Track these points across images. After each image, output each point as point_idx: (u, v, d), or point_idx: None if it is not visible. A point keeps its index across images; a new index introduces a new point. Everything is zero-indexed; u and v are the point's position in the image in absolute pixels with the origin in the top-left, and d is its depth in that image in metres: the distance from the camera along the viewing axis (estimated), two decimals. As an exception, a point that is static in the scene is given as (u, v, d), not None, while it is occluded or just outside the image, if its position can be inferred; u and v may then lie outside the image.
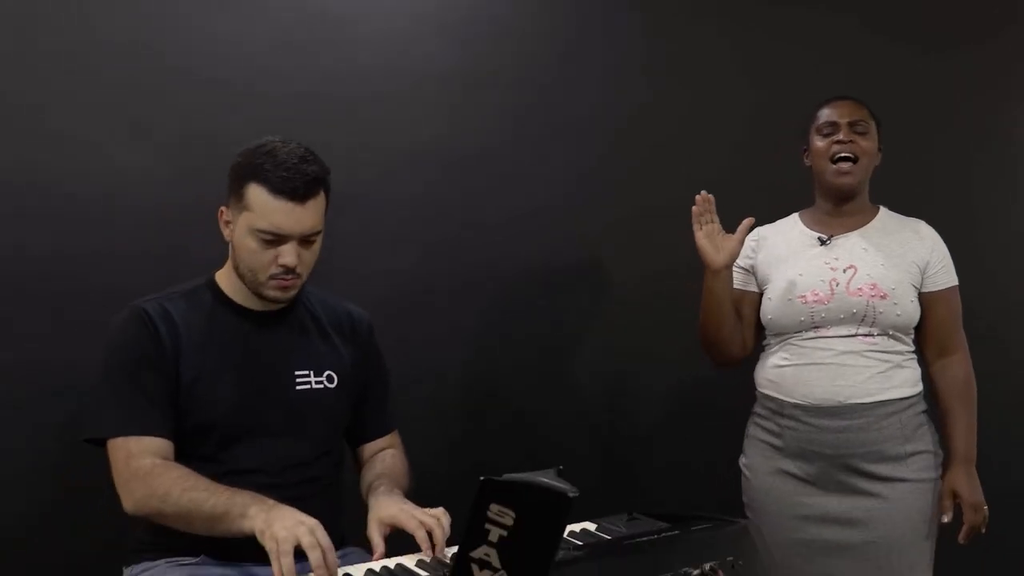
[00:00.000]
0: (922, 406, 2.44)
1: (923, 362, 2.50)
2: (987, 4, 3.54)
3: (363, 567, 1.65)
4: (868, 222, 2.51)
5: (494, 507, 1.29)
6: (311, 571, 1.57)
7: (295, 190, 1.86)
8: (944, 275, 2.46)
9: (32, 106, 2.43)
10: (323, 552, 1.57)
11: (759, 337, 2.59)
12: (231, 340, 1.96)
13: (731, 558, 1.64)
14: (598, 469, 3.01)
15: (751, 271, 2.60)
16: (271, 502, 1.69)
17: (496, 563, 1.30)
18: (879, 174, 2.70)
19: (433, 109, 2.88)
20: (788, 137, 2.75)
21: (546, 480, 1.30)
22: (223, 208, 1.97)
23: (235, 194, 1.92)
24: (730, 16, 3.26)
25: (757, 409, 2.54)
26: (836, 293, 2.38)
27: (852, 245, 2.46)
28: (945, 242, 2.62)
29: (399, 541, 1.81)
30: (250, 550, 1.69)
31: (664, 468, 3.09)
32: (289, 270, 1.90)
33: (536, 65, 3.02)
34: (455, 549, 1.36)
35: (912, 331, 2.45)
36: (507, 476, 1.29)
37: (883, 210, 2.55)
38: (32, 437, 2.41)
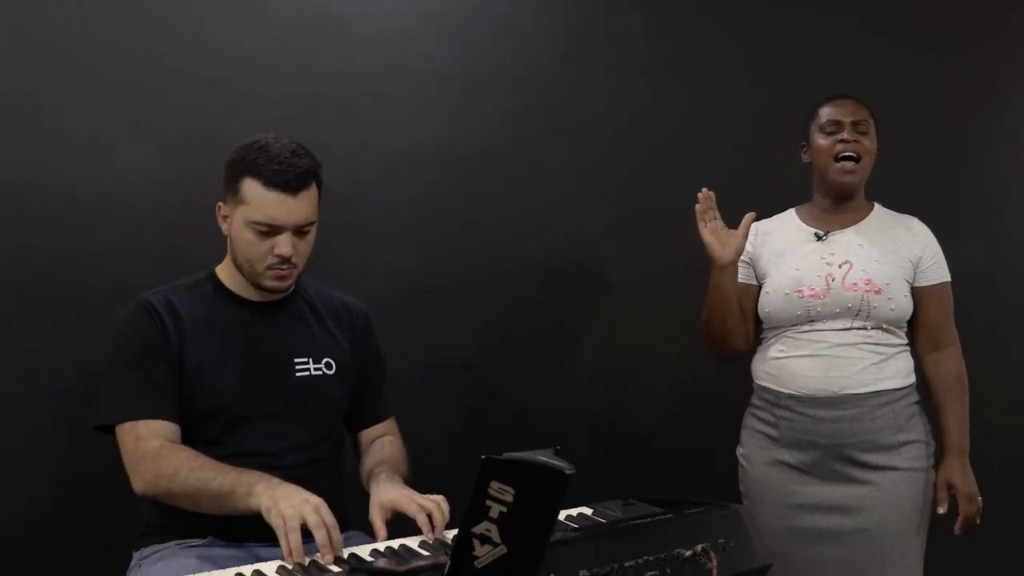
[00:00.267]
0: (915, 397, 2.57)
1: (916, 356, 2.62)
2: (987, 4, 3.64)
3: (367, 547, 1.78)
4: (863, 219, 2.64)
5: (495, 484, 1.40)
6: (317, 549, 1.69)
7: (288, 182, 2.00)
8: (936, 271, 2.60)
9: (33, 106, 2.52)
10: (328, 531, 1.69)
11: (758, 330, 2.71)
12: (232, 330, 2.10)
13: (722, 540, 1.76)
14: (598, 468, 3.11)
15: (752, 265, 2.73)
16: (276, 481, 1.82)
17: (496, 538, 1.41)
18: (880, 173, 2.82)
19: (433, 109, 2.98)
20: (788, 137, 2.85)
21: (544, 459, 1.42)
22: (220, 204, 2.11)
23: (231, 189, 2.06)
24: (730, 16, 3.36)
25: (754, 401, 2.68)
26: (832, 288, 2.52)
27: (848, 241, 2.60)
28: (944, 241, 2.74)
29: (400, 526, 1.93)
30: (256, 531, 1.83)
31: (662, 462, 3.19)
32: (285, 260, 2.04)
33: (536, 65, 3.12)
34: (455, 532, 1.48)
35: (905, 324, 2.58)
36: (507, 455, 1.40)
37: (877, 207, 2.69)
38: (39, 431, 2.51)
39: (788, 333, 2.58)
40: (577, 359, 3.20)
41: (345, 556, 1.71)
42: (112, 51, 2.60)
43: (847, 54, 3.45)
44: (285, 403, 2.10)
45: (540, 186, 3.12)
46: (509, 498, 1.40)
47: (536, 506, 1.40)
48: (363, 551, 1.76)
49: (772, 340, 2.63)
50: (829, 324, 2.52)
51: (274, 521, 1.72)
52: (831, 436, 2.49)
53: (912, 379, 2.57)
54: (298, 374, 2.13)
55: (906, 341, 2.60)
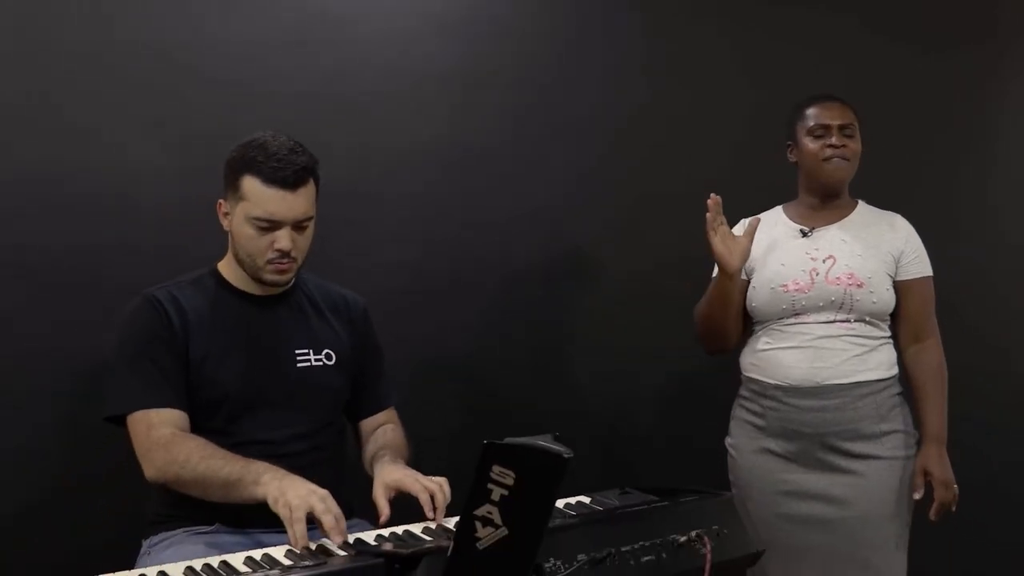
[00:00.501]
0: (897, 388, 2.70)
1: (898, 348, 2.75)
2: (987, 4, 3.74)
3: (373, 533, 1.89)
4: (847, 215, 2.77)
5: (496, 468, 1.49)
6: (322, 537, 1.80)
7: (286, 179, 2.11)
8: (917, 265, 2.72)
9: (45, 104, 2.62)
10: (335, 518, 1.79)
11: (747, 323, 2.83)
12: (235, 323, 2.22)
13: (716, 527, 1.88)
14: (595, 460, 3.22)
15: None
16: (283, 472, 1.92)
17: (498, 520, 1.50)
18: (879, 172, 2.92)
19: (433, 109, 3.07)
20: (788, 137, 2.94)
21: (543, 443, 1.52)
22: (221, 201, 2.23)
23: (231, 186, 2.18)
24: (730, 16, 3.46)
25: (742, 392, 2.81)
26: (816, 282, 2.65)
27: (832, 237, 2.72)
28: (943, 240, 2.86)
29: (402, 515, 2.03)
30: (261, 518, 1.93)
31: (658, 455, 3.31)
32: (285, 254, 2.16)
33: (536, 65, 3.22)
34: (456, 519, 1.58)
35: (888, 317, 2.71)
36: (508, 440, 1.50)
37: (861, 204, 2.81)
38: (55, 419, 2.62)
39: (774, 326, 2.71)
40: (575, 356, 3.30)
41: (351, 541, 1.81)
42: (121, 51, 2.70)
43: (847, 54, 3.54)
44: (287, 393, 2.21)
45: (540, 186, 3.21)
46: (510, 481, 1.48)
47: (536, 489, 1.49)
48: (368, 537, 1.86)
49: (759, 333, 2.76)
50: (813, 317, 2.66)
51: (281, 511, 1.82)
52: (815, 425, 2.63)
53: (895, 371, 2.71)
54: (299, 365, 2.25)
55: (889, 334, 2.73)
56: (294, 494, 1.82)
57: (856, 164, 2.75)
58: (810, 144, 2.74)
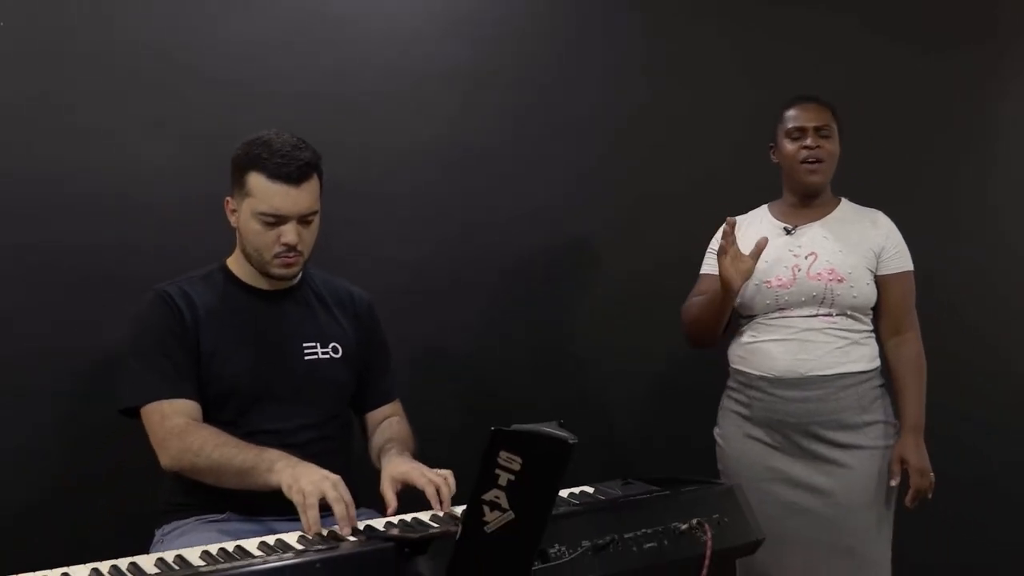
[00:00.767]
0: (879, 380, 2.85)
1: (879, 340, 2.88)
2: (987, 4, 3.85)
3: (382, 520, 1.99)
4: (829, 213, 2.91)
5: (503, 454, 1.58)
6: (334, 524, 1.89)
7: (290, 175, 2.22)
8: (898, 260, 2.85)
9: (50, 105, 2.70)
10: (346, 506, 1.89)
11: (733, 318, 2.96)
12: (243, 317, 2.33)
13: (717, 516, 1.98)
14: (596, 453, 3.28)
15: None
16: (296, 459, 2.02)
17: (505, 504, 1.59)
18: (879, 172, 3.01)
19: (434, 109, 3.16)
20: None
21: (549, 429, 1.62)
22: (228, 198, 2.33)
23: (237, 183, 2.29)
24: (730, 16, 3.56)
25: (730, 383, 2.97)
26: (798, 278, 2.79)
27: (814, 234, 2.87)
28: (942, 240, 2.96)
29: (408, 505, 2.12)
30: (273, 506, 2.05)
31: (657, 448, 3.42)
32: (291, 248, 2.26)
33: (536, 65, 3.31)
34: (463, 507, 1.67)
35: (870, 311, 2.85)
36: (515, 426, 1.59)
37: (844, 201, 2.95)
38: (59, 417, 2.70)
39: (760, 320, 2.86)
40: (574, 354, 3.40)
41: (361, 528, 1.91)
42: (122, 52, 2.78)
43: (847, 54, 3.64)
44: (294, 386, 2.32)
45: (540, 185, 3.31)
46: (516, 467, 1.56)
47: (542, 474, 1.57)
48: (378, 523, 1.96)
49: (745, 327, 2.91)
50: (797, 311, 2.80)
51: (294, 497, 1.91)
52: (798, 415, 2.77)
53: (876, 363, 2.85)
54: (306, 358, 2.35)
55: (871, 328, 2.87)
56: (307, 480, 1.92)
57: (832, 165, 2.88)
58: (788, 145, 2.88)
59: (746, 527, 2.05)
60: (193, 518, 2.21)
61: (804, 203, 2.92)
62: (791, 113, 2.89)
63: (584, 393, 3.40)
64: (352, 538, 1.83)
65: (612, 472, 2.26)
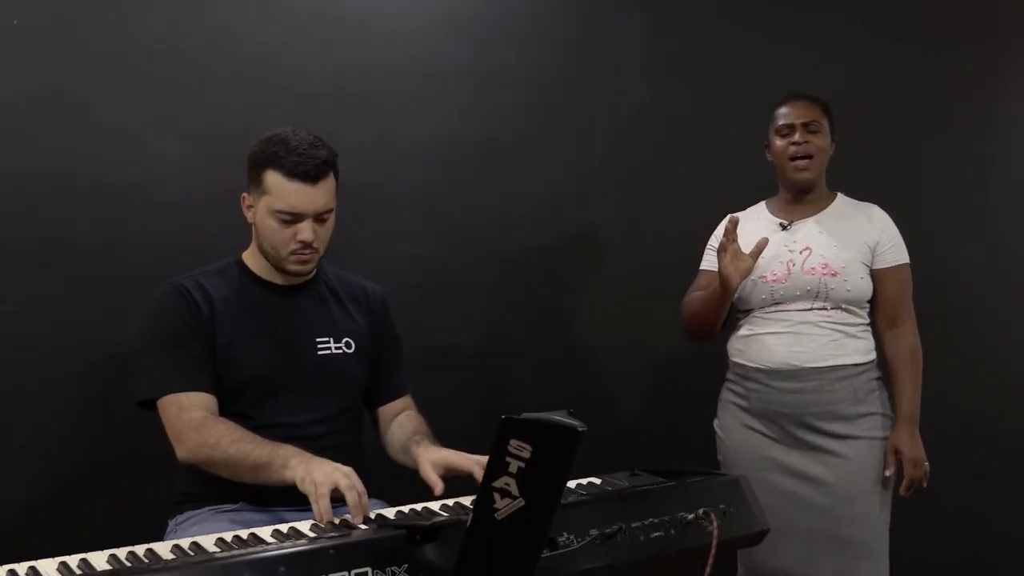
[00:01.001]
0: (875, 373, 2.93)
1: (876, 333, 2.96)
2: (987, 4, 3.92)
3: (393, 509, 2.05)
4: (825, 208, 2.99)
5: (513, 442, 1.63)
6: (346, 514, 1.95)
7: (307, 173, 2.28)
8: (893, 254, 2.93)
9: (69, 103, 2.79)
10: (358, 494, 1.95)
11: (731, 312, 3.04)
12: (258, 311, 2.39)
13: (723, 506, 2.04)
14: (602, 446, 3.32)
15: None
16: (309, 455, 2.08)
17: (515, 491, 1.64)
18: (879, 171, 3.06)
19: (435, 109, 3.23)
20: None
21: (558, 418, 1.67)
22: (244, 194, 2.39)
23: (254, 180, 2.35)
24: (730, 16, 3.63)
25: (728, 375, 3.06)
26: (792, 273, 2.88)
27: (809, 229, 2.95)
28: (942, 239, 3.02)
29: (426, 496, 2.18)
30: (283, 497, 2.11)
31: (663, 440, 3.49)
32: (307, 245, 2.32)
33: (536, 65, 3.38)
34: (472, 498, 1.71)
35: (866, 305, 2.93)
36: (525, 415, 1.64)
37: (840, 196, 3.03)
38: (84, 407, 2.79)
39: (757, 313, 2.95)
40: (575, 350, 3.47)
41: (372, 516, 1.97)
42: (139, 51, 2.87)
43: (847, 54, 3.72)
44: (308, 380, 2.38)
45: (540, 184, 3.38)
46: (527, 454, 1.62)
47: (551, 461, 1.63)
48: (389, 512, 2.03)
49: (743, 320, 3.00)
50: (792, 305, 2.89)
51: (307, 488, 1.97)
52: (793, 406, 2.86)
53: (872, 356, 2.93)
54: (320, 353, 2.41)
55: (867, 321, 2.95)
56: (320, 472, 1.98)
57: (822, 160, 2.97)
58: (778, 142, 2.97)
59: (751, 517, 2.11)
60: (207, 508, 2.27)
61: (798, 199, 3.00)
62: (781, 111, 2.98)
63: (586, 388, 3.46)
64: (363, 526, 1.89)
65: (616, 466, 2.31)
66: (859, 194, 3.05)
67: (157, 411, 2.28)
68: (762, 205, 3.10)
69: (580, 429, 1.65)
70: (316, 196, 2.30)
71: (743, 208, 3.09)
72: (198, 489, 2.29)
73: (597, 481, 2.22)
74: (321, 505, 1.93)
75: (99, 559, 1.69)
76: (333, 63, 3.10)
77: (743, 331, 2.98)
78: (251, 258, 2.45)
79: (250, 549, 1.71)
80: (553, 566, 1.79)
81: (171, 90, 2.89)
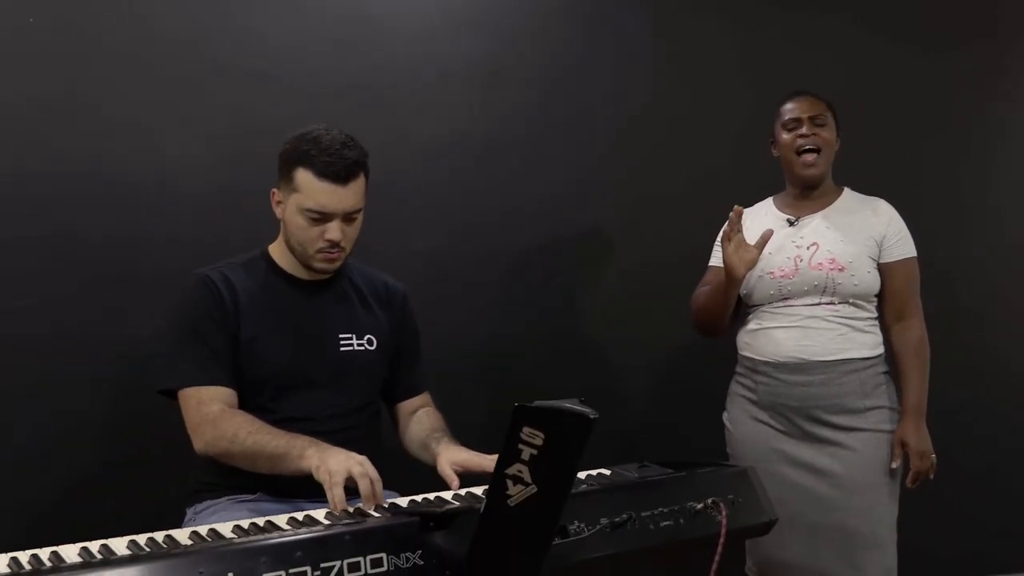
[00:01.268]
0: (883, 368, 2.99)
1: (883, 326, 3.02)
2: (987, 4, 3.98)
3: (406, 498, 2.10)
4: (831, 203, 3.06)
5: (526, 430, 1.67)
6: (360, 503, 2.00)
7: (338, 173, 2.33)
8: (900, 248, 2.99)
9: (86, 103, 2.86)
10: (371, 482, 2.00)
11: (740, 307, 3.11)
12: (283, 306, 2.45)
13: (731, 496, 2.09)
14: (612, 438, 3.37)
15: None
16: (326, 445, 2.13)
17: (528, 478, 1.69)
18: (879, 171, 3.11)
19: (438, 108, 3.30)
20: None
21: (570, 405, 1.73)
22: (274, 190, 2.45)
23: (284, 177, 2.40)
24: (730, 16, 3.70)
25: (737, 368, 3.13)
26: (799, 268, 2.94)
27: (816, 224, 3.02)
28: (942, 238, 3.07)
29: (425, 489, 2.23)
30: (302, 488, 2.16)
31: (670, 434, 3.56)
32: (335, 244, 2.38)
33: (536, 65, 3.45)
34: (484, 487, 1.76)
35: (874, 299, 2.99)
36: (537, 402, 1.69)
37: (846, 191, 3.10)
38: (103, 400, 2.87)
39: (765, 308, 3.01)
40: (581, 347, 3.55)
41: (385, 505, 2.02)
42: (157, 50, 2.96)
43: (847, 54, 3.78)
44: (329, 375, 2.44)
45: (540, 184, 3.45)
46: (539, 442, 1.66)
47: (563, 448, 1.68)
48: (402, 501, 2.08)
49: (751, 314, 3.06)
50: (800, 300, 2.95)
51: (321, 477, 2.03)
52: (801, 399, 2.93)
53: (880, 350, 3.00)
54: (342, 349, 2.48)
55: (875, 315, 3.01)
56: (334, 461, 2.04)
57: (829, 154, 3.03)
58: (785, 136, 3.03)
59: (759, 508, 2.16)
60: (225, 498, 2.33)
61: (805, 194, 3.07)
62: (787, 106, 3.04)
63: (594, 383, 3.53)
64: (377, 514, 1.94)
65: (625, 458, 2.36)
66: (858, 192, 3.10)
67: (177, 400, 2.34)
68: (769, 201, 3.16)
69: (592, 416, 1.69)
70: (345, 196, 2.36)
71: (745, 205, 3.13)
72: (216, 479, 2.36)
73: (607, 472, 2.28)
74: (335, 493, 1.98)
75: (119, 544, 1.74)
76: (347, 62, 3.17)
77: (751, 325, 3.05)
78: (278, 252, 2.51)
79: (267, 535, 1.76)
80: (564, 553, 1.84)
81: (185, 88, 2.97)
